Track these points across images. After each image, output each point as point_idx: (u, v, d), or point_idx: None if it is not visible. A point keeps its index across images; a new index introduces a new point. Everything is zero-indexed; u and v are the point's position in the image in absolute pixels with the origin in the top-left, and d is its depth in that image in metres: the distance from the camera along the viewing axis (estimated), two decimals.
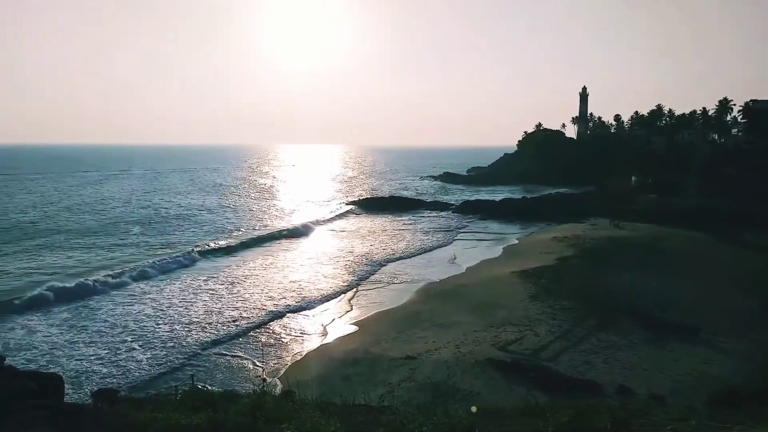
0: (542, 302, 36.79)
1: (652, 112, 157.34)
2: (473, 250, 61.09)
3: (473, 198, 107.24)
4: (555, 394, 20.85)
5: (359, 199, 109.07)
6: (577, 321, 32.92)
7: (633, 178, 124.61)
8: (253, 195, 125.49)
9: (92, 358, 28.90)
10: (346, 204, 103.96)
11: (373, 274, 47.95)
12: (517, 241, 65.82)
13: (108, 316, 35.97)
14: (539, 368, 25.71)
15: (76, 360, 28.53)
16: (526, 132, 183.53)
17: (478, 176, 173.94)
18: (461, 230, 74.48)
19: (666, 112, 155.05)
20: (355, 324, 34.99)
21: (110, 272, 46.13)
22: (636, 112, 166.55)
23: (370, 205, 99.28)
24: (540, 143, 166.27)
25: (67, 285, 41.09)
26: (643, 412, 7.36)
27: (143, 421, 7.48)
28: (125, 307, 38.04)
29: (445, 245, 63.12)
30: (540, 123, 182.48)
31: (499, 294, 39.14)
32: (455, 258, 56.25)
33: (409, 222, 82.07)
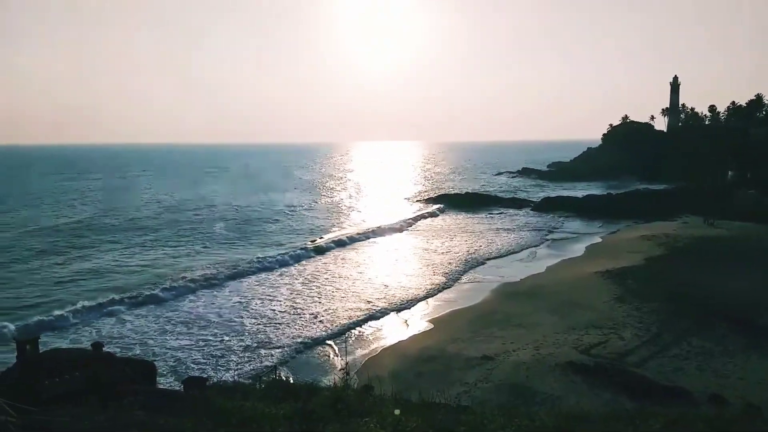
0: (628, 304, 35.25)
1: (750, 102, 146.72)
2: (553, 248, 59.40)
3: (554, 194, 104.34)
4: (642, 401, 19.94)
5: (436, 196, 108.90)
6: (666, 325, 31.28)
7: (729, 173, 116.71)
8: (338, 193, 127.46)
9: (181, 347, 30.58)
10: (425, 202, 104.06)
11: (453, 274, 47.44)
12: (600, 240, 63.42)
13: (194, 310, 37.86)
14: (625, 373, 24.65)
15: (166, 348, 30.29)
16: (611, 125, 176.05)
17: (559, 172, 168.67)
18: (540, 228, 72.49)
19: (767, 102, 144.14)
20: (429, 321, 34.94)
21: (200, 268, 48.65)
22: (733, 103, 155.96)
23: (448, 202, 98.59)
24: (627, 136, 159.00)
25: (155, 280, 44.07)
26: (741, 422, 6.88)
27: (231, 409, 7.82)
28: (210, 301, 39.96)
29: (523, 243, 61.62)
30: (626, 115, 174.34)
31: (582, 295, 37.83)
32: (534, 256, 54.94)
33: (487, 220, 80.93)
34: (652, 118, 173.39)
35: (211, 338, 31.95)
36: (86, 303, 37.65)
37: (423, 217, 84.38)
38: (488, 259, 53.62)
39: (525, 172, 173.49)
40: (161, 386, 18.02)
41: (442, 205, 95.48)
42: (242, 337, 32.15)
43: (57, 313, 35.70)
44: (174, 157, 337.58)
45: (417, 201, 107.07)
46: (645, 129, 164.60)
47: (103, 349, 13.69)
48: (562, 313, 33.99)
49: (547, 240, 64.24)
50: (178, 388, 15.60)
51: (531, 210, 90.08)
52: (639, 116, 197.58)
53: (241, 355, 29.62)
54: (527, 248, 59.08)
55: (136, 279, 45.18)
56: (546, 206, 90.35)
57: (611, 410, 7.33)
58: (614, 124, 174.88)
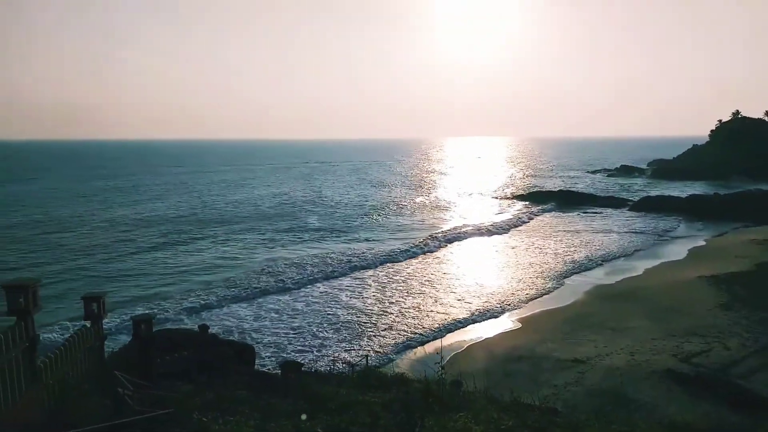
0: (735, 312, 32.94)
1: None
2: (652, 250, 56.37)
3: (654, 194, 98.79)
4: (747, 415, 18.67)
5: (528, 193, 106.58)
6: None
7: None
8: (435, 190, 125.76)
9: (276, 333, 32.11)
10: (519, 199, 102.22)
11: (546, 274, 46.02)
12: (704, 243, 59.45)
13: (289, 300, 39.46)
14: (729, 385, 23.10)
15: (262, 334, 31.90)
16: (720, 121, 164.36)
17: (660, 170, 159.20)
18: (643, 230, 68.72)
19: None
20: (519, 320, 34.37)
21: (297, 261, 50.81)
22: None
23: (542, 200, 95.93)
24: (737, 133, 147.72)
25: (253, 271, 46.90)
26: None
27: (327, 394, 8.17)
28: (304, 292, 41.51)
29: (623, 245, 58.65)
30: (738, 110, 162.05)
31: (682, 300, 35.75)
32: (631, 257, 52.44)
33: (583, 219, 77.90)
34: (767, 113, 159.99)
35: (305, 326, 33.35)
36: (192, 290, 41.15)
37: (519, 216, 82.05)
38: (583, 260, 51.64)
39: (624, 170, 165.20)
40: (258, 368, 19.01)
41: (534, 203, 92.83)
42: (335, 327, 33.27)
43: (167, 298, 39.12)
44: (277, 153, 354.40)
45: (510, 198, 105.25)
46: (759, 125, 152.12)
47: (209, 330, 14.71)
48: (661, 319, 32.30)
49: (646, 241, 60.92)
50: (275, 372, 16.43)
51: (629, 210, 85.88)
52: (752, 111, 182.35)
53: (334, 343, 30.63)
54: (624, 248, 56.34)
55: (238, 270, 47.88)
56: (646, 206, 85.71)
57: (716, 423, 6.97)
58: (724, 120, 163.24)
